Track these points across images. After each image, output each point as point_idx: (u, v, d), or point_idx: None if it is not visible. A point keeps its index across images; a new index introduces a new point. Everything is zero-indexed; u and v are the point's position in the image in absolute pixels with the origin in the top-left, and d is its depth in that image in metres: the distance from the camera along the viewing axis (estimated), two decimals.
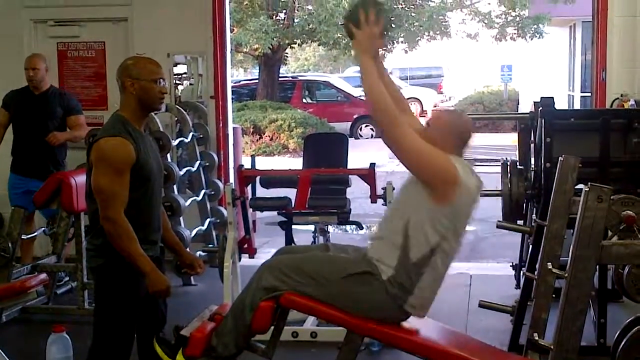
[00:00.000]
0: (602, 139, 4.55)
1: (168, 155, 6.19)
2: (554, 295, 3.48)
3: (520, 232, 5.12)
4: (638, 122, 4.67)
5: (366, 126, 18.62)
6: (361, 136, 18.67)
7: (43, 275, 4.47)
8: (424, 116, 18.19)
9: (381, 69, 3.43)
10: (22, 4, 7.10)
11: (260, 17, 17.50)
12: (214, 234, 6.71)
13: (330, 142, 6.78)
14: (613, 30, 6.29)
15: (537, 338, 3.32)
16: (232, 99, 8.15)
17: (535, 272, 3.80)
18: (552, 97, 4.78)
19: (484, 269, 6.99)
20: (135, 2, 6.96)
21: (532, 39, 18.85)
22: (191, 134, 6.67)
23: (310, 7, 18.73)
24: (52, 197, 5.46)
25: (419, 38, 20.10)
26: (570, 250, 3.06)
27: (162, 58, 6.35)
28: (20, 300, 5.33)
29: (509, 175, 4.86)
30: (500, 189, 4.88)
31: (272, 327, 3.43)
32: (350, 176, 5.84)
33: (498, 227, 4.78)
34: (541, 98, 4.80)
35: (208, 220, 6.69)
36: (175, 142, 6.43)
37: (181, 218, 6.19)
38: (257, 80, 20.48)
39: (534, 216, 4.77)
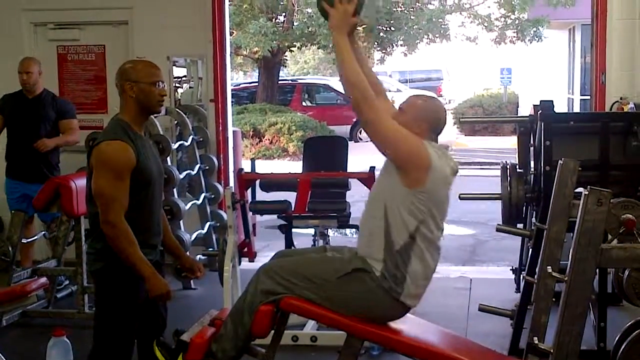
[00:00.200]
0: (602, 142, 4.55)
1: (168, 158, 6.17)
2: (554, 299, 3.48)
3: (520, 236, 5.10)
4: (637, 125, 4.67)
5: None
6: (361, 139, 18.62)
7: (43, 279, 4.46)
8: None
9: (357, 48, 3.46)
10: (22, 7, 7.09)
11: (259, 20, 17.51)
12: (214, 237, 6.71)
13: (330, 146, 6.79)
14: (612, 33, 6.28)
15: (537, 342, 3.31)
16: (232, 102, 8.14)
17: (535, 276, 3.79)
18: (552, 100, 4.79)
19: (484, 272, 6.99)
20: (135, 6, 6.96)
21: (531, 42, 18.84)
22: (191, 137, 6.66)
23: (309, 10, 18.69)
24: (52, 201, 5.44)
25: (418, 41, 20.08)
26: (570, 254, 3.06)
27: (161, 61, 6.39)
28: (21, 304, 5.27)
29: (509, 178, 4.85)
30: (499, 192, 4.88)
31: (273, 331, 3.44)
32: (350, 179, 5.84)
33: (498, 230, 4.77)
34: (541, 101, 4.80)
35: (208, 223, 6.68)
36: (175, 146, 6.42)
37: (181, 222, 6.19)
38: (256, 83, 20.48)
39: (533, 220, 4.77)
